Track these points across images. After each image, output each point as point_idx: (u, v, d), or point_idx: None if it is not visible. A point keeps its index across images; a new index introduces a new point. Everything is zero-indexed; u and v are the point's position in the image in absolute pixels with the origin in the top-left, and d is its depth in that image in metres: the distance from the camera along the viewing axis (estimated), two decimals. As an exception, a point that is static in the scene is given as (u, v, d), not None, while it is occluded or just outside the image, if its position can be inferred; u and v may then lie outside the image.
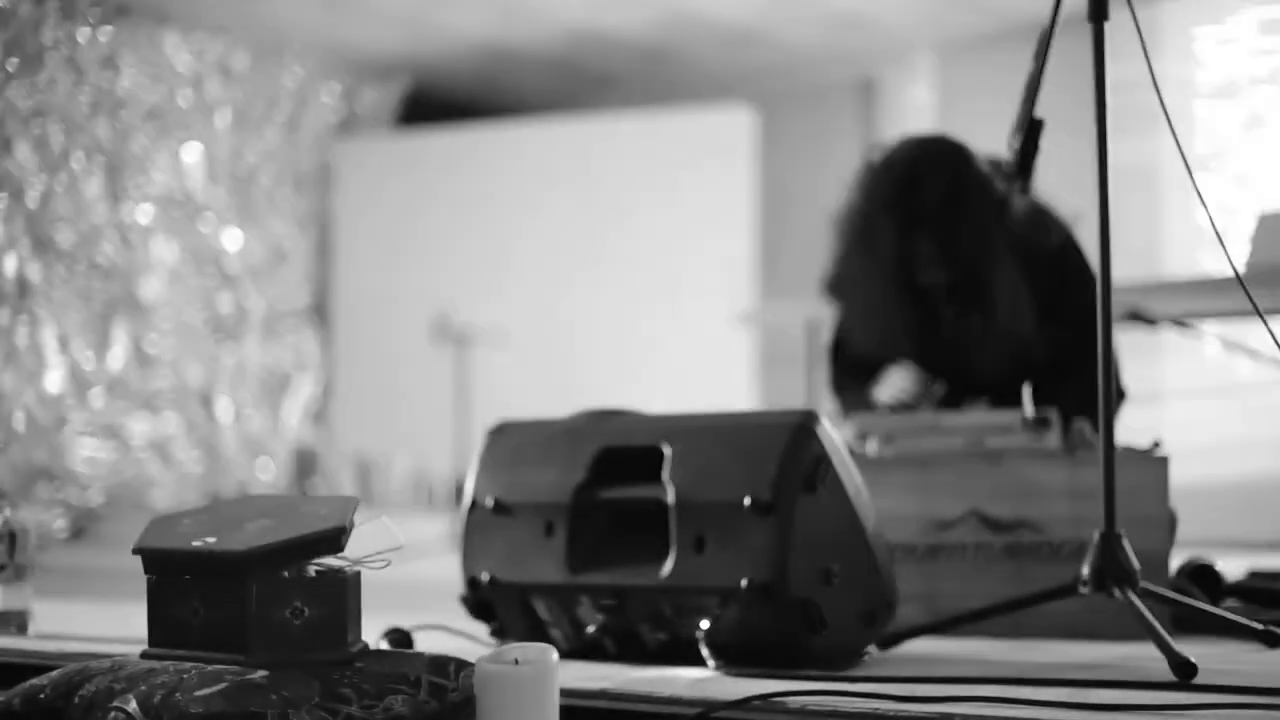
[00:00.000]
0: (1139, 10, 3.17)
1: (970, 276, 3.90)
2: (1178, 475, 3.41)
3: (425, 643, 3.03)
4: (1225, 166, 9.34)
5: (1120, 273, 3.05)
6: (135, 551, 2.36)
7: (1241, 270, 3.55)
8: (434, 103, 11.66)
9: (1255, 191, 9.20)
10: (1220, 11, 9.55)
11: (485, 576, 2.96)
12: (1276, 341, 3.23)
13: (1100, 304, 2.90)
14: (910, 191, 3.88)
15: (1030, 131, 3.16)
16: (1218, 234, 3.18)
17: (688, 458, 2.80)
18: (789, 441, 2.70)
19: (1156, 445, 3.45)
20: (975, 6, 9.93)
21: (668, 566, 2.75)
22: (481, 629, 3.09)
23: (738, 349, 10.11)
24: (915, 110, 10.80)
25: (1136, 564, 2.84)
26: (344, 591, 2.33)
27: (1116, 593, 2.83)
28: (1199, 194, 3.17)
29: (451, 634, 3.21)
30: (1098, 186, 2.89)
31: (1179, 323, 4.49)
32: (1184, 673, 2.52)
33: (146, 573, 2.36)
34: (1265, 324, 3.20)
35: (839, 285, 4.15)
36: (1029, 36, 3.24)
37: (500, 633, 3.03)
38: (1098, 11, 2.98)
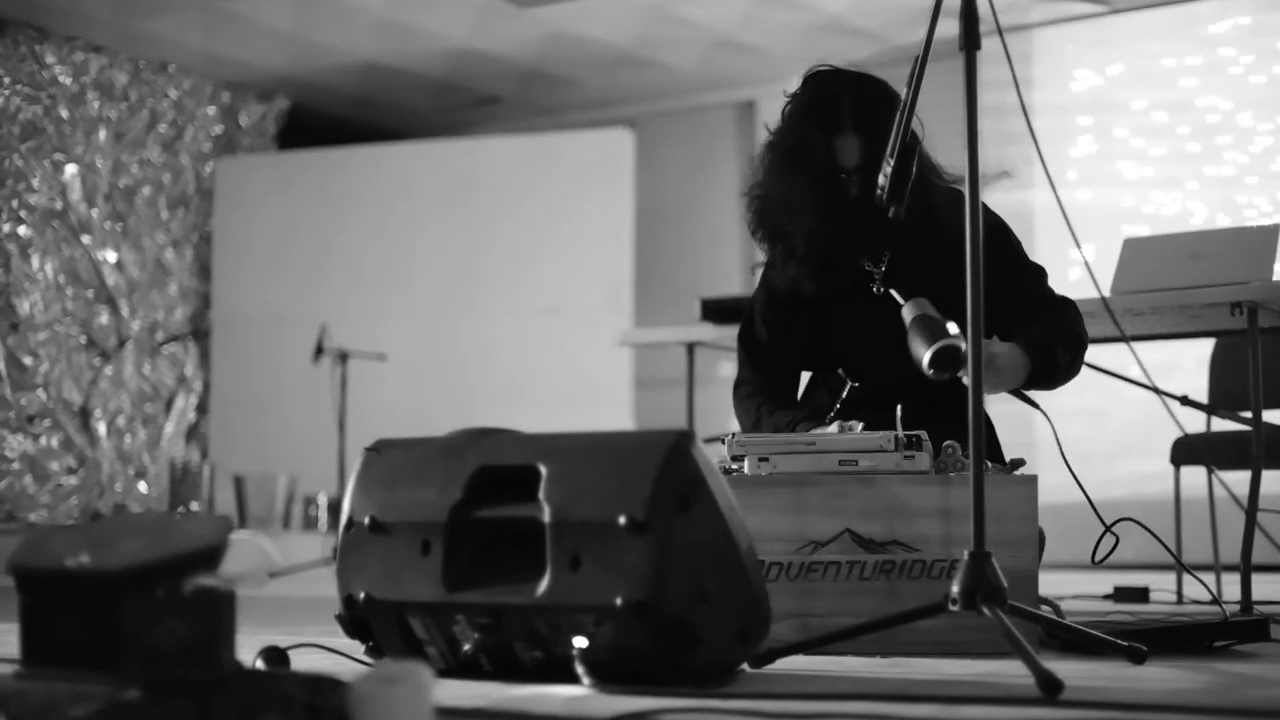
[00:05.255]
0: (1010, 38, 3.22)
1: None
2: (1046, 494, 3.48)
3: (301, 662, 3.02)
4: (1097, 191, 9.48)
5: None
6: (7, 569, 2.34)
7: (1107, 294, 3.62)
8: (315, 121, 11.64)
9: (1123, 216, 9.35)
10: (1095, 37, 9.69)
11: (361, 595, 2.95)
12: (1141, 365, 3.30)
13: (971, 339, 2.94)
14: (831, 100, 3.83)
15: (903, 156, 3.21)
16: (1085, 261, 3.24)
17: (563, 477, 2.80)
18: (664, 461, 2.71)
19: (1021, 464, 3.51)
20: (852, 32, 10.03)
21: (543, 585, 2.75)
22: (358, 648, 3.08)
23: (618, 369, 10.14)
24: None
25: (1005, 582, 2.90)
26: (218, 610, 2.32)
27: (985, 610, 2.88)
28: (1066, 219, 3.23)
29: (327, 653, 3.21)
30: (968, 212, 2.93)
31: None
32: (1050, 689, 2.55)
33: (19, 591, 2.35)
34: (1130, 349, 3.26)
35: (764, 209, 3.95)
36: (904, 62, 3.29)
37: (376, 651, 3.02)
38: (970, 39, 3.00)
